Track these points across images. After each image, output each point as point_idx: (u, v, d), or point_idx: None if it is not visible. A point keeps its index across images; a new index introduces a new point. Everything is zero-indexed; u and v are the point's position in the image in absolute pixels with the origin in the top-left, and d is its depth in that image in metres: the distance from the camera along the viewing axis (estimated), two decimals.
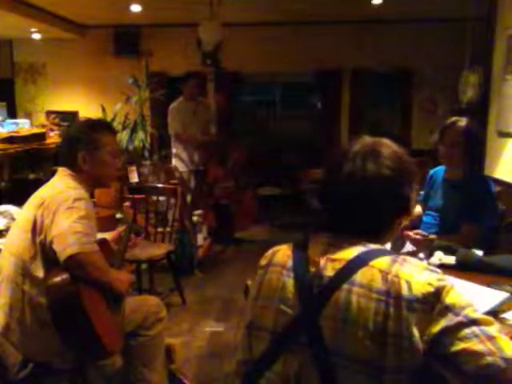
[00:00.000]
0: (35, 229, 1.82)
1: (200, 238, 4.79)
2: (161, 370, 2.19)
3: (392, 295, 1.02)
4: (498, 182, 3.84)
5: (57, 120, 6.47)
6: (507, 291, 1.72)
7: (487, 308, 1.56)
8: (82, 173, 1.99)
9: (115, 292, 1.90)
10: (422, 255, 2.10)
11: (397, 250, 2.14)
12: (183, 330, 3.34)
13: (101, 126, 2.11)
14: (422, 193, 2.78)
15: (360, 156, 1.16)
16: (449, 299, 1.02)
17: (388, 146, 1.20)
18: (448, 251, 2.08)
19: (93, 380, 1.94)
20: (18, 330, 1.82)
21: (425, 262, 1.89)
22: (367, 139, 1.22)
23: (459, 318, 1.00)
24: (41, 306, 1.79)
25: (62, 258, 1.72)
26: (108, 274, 1.84)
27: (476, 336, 0.99)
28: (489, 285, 1.78)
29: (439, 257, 2.06)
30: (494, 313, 1.54)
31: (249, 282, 1.66)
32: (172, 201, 3.87)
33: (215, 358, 2.97)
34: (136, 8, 5.60)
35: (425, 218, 2.65)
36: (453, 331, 1.00)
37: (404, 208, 1.19)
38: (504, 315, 1.55)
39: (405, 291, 1.01)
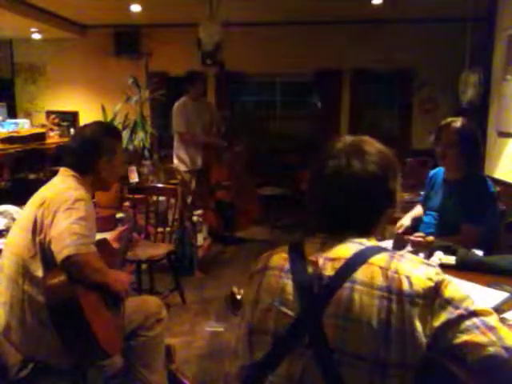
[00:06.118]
0: (35, 228, 1.82)
1: (200, 238, 4.79)
2: (161, 370, 2.19)
3: (394, 291, 1.03)
4: (498, 182, 3.84)
5: (57, 120, 6.47)
6: (507, 291, 1.72)
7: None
8: (88, 176, 2.00)
9: (114, 293, 1.90)
10: (421, 255, 2.09)
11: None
12: (183, 330, 3.34)
13: (116, 132, 2.19)
14: (422, 193, 2.78)
15: (344, 154, 1.17)
16: (447, 292, 1.04)
17: (370, 143, 1.21)
18: (448, 251, 2.08)
19: (93, 380, 1.94)
20: (19, 329, 1.82)
21: None
22: (348, 138, 1.23)
23: (459, 311, 1.02)
24: (41, 305, 1.79)
25: (58, 259, 1.72)
26: (105, 276, 1.83)
27: (477, 327, 1.00)
28: (489, 285, 1.77)
29: (439, 257, 2.06)
30: None
31: (234, 289, 1.66)
32: (172, 201, 3.87)
33: (215, 358, 2.97)
34: (136, 8, 5.61)
35: (425, 218, 2.65)
36: (454, 324, 1.01)
37: (390, 201, 1.21)
38: (504, 315, 1.54)
39: (406, 287, 1.03)
